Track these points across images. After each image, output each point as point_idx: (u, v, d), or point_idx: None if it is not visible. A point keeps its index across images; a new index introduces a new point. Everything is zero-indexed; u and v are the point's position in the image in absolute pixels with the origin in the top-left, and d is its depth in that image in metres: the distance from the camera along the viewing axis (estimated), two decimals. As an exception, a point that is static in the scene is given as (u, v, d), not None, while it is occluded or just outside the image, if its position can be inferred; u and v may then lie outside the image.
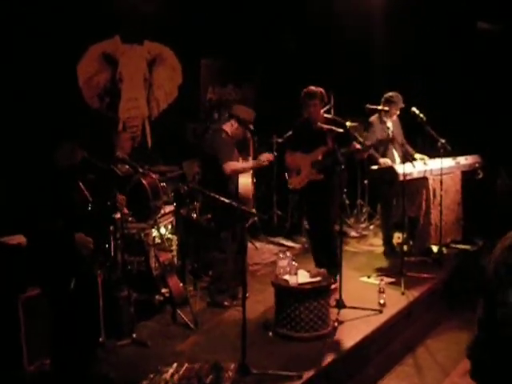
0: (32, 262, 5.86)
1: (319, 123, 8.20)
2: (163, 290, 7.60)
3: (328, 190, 8.32)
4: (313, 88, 8.34)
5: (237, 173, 7.91)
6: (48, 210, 5.61)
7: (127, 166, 7.87)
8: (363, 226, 11.72)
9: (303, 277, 6.98)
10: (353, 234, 11.38)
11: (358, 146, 8.10)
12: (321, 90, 8.35)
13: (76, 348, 5.85)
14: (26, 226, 5.85)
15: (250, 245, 10.04)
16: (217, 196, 6.59)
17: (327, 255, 8.34)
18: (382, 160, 9.42)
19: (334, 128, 8.03)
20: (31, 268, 5.91)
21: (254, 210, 8.14)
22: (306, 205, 8.86)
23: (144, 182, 7.58)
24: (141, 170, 7.40)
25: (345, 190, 10.67)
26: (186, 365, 5.96)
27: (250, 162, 8.14)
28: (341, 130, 7.99)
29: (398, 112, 9.67)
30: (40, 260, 5.74)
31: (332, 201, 8.39)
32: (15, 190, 6.12)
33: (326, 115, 8.71)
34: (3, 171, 7.54)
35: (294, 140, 8.73)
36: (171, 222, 8.71)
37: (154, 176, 7.79)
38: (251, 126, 8.14)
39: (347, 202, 11.41)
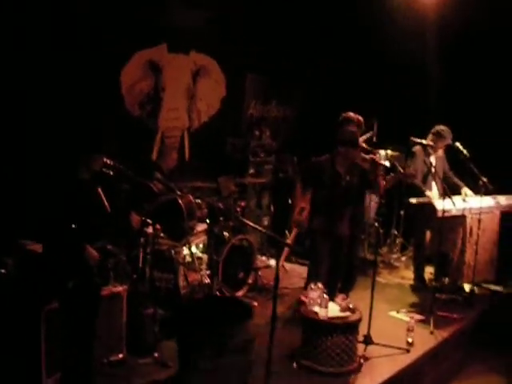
0: (46, 270, 5.77)
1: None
2: (189, 310, 7.47)
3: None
4: (351, 114, 8.33)
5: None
6: (62, 220, 5.52)
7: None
8: (395, 256, 11.53)
9: (333, 310, 6.84)
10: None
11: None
12: (359, 117, 8.34)
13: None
14: (41, 234, 5.79)
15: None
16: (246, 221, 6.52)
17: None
18: (428, 193, 9.32)
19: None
20: (46, 276, 5.81)
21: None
22: None
23: (180, 202, 7.49)
24: (179, 193, 7.31)
25: (380, 219, 10.62)
26: (208, 392, 5.83)
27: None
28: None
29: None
30: (52, 267, 5.65)
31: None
32: (37, 195, 6.02)
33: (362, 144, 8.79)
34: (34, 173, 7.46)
35: None
36: (203, 241, 8.63)
37: (190, 197, 7.69)
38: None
39: (381, 230, 11.25)
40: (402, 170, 8.40)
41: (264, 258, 10.64)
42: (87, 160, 5.73)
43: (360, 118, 8.42)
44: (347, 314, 6.86)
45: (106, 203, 5.90)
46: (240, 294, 8.91)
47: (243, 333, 2.55)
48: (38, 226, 5.75)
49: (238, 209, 9.52)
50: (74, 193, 5.60)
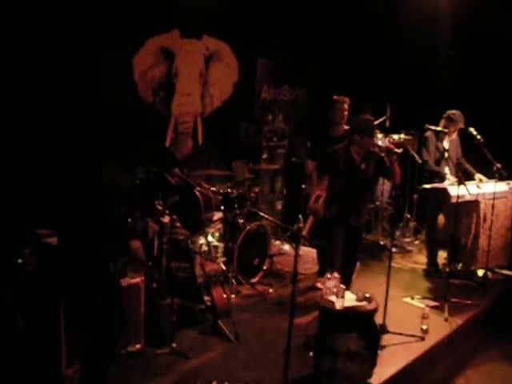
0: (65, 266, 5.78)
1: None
2: (205, 298, 7.50)
3: None
4: (345, 97, 9.14)
5: None
6: (83, 221, 5.52)
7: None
8: (408, 240, 11.53)
9: (350, 300, 6.85)
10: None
11: None
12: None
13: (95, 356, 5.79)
14: (60, 230, 5.81)
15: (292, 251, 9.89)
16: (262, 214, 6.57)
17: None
18: (451, 180, 9.42)
19: None
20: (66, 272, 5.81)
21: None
22: None
23: (199, 196, 7.53)
24: (198, 189, 7.33)
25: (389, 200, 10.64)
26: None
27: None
28: None
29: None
30: (70, 264, 5.67)
31: None
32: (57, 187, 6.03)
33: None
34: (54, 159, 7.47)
35: None
36: (219, 230, 8.65)
37: (208, 190, 7.72)
38: None
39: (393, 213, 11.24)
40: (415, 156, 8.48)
41: (278, 242, 10.66)
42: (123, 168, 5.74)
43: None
44: (363, 303, 6.87)
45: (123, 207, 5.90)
46: (255, 280, 8.96)
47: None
48: (54, 221, 5.76)
49: (253, 195, 9.52)
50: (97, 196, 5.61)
